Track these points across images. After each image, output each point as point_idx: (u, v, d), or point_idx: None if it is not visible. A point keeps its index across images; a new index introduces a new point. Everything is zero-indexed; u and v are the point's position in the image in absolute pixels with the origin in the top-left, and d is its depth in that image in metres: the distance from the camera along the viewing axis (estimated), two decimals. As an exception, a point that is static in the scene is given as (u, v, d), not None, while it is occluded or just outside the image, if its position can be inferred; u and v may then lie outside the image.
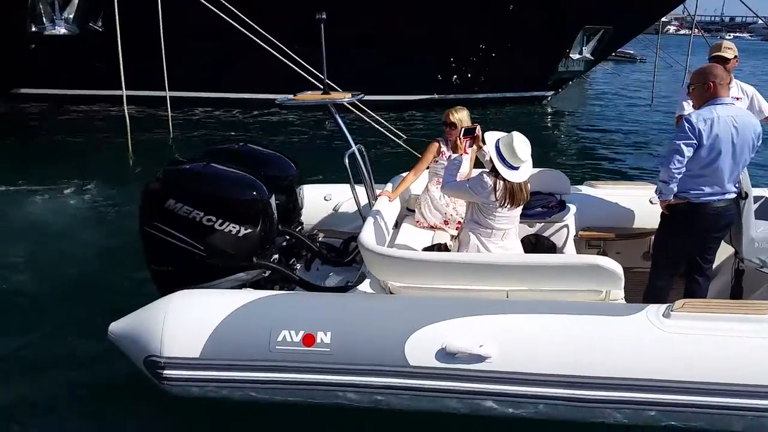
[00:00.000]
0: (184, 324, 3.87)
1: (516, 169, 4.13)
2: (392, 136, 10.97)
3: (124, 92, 11.51)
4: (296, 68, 11.20)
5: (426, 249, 4.65)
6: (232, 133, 14.41)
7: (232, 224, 4.24)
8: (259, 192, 4.41)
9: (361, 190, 5.13)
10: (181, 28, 13.36)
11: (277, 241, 4.81)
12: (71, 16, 13.10)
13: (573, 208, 5.32)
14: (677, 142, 4.10)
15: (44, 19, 12.68)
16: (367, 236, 4.20)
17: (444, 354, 3.62)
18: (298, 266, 5.25)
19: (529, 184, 4.28)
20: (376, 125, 10.73)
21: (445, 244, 4.70)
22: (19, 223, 8.12)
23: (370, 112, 10.90)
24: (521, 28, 16.22)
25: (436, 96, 17.11)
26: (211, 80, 15.99)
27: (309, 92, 4.92)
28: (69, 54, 14.34)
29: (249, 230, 4.31)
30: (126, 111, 11.71)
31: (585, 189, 5.69)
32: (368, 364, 3.69)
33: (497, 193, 4.11)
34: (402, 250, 4.18)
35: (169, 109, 13.29)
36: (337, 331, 3.74)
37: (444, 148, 5.09)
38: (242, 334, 3.80)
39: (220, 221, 4.20)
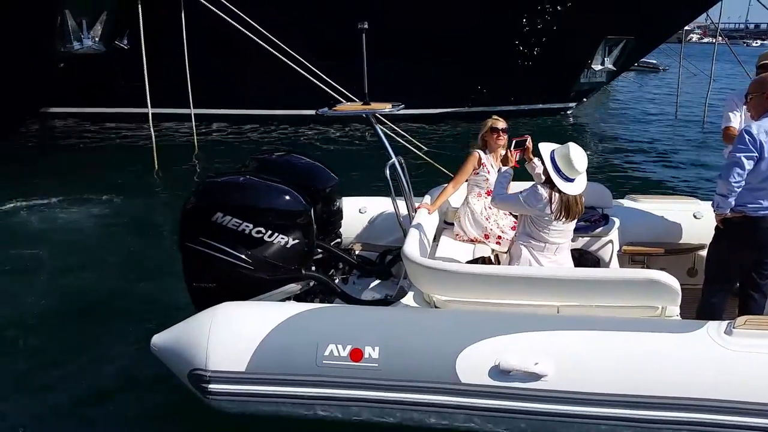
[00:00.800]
0: (230, 337, 3.78)
1: (572, 181, 4.02)
2: (413, 148, 10.88)
3: (150, 110, 11.53)
4: (317, 82, 11.21)
5: (469, 263, 4.53)
6: (253, 147, 14.42)
7: (281, 235, 4.19)
8: (301, 203, 4.37)
9: (399, 202, 5.03)
10: (203, 44, 13.51)
11: (314, 253, 4.74)
12: (98, 34, 13.20)
13: (617, 221, 5.18)
14: (737, 154, 3.96)
15: (72, 38, 12.78)
16: (411, 249, 4.10)
17: (497, 371, 3.50)
18: (337, 279, 5.16)
19: (583, 197, 4.15)
20: (396, 137, 10.65)
21: (489, 258, 4.58)
22: (51, 238, 8.14)
23: (389, 123, 10.87)
24: (543, 39, 16.14)
25: (457, 109, 17.04)
26: (232, 96, 16.04)
27: (349, 103, 4.86)
28: (96, 72, 14.47)
29: (296, 241, 4.27)
30: (152, 128, 11.73)
31: (627, 203, 5.54)
32: (418, 380, 3.58)
33: (552, 206, 3.99)
34: (448, 262, 4.06)
35: (193, 125, 13.36)
36: (386, 346, 3.63)
37: (484, 159, 4.99)
38: (289, 347, 3.71)
39: (269, 233, 4.15)
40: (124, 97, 14.91)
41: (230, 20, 11.09)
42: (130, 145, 14.30)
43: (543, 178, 4.10)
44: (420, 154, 10.99)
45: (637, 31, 17.56)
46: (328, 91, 11.16)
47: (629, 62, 19.88)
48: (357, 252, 5.42)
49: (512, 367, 3.47)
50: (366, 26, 4.51)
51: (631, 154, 14.40)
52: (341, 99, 11.01)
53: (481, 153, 5.00)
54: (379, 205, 5.80)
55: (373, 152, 12.73)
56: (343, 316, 3.91)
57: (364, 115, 4.66)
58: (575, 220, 4.15)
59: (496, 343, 3.56)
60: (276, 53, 11.17)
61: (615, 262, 5.08)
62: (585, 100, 19.82)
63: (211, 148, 14.03)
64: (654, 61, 35.49)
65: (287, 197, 4.38)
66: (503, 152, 5.02)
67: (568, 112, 19.24)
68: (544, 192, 4.01)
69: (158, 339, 4.00)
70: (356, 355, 3.63)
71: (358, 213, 5.72)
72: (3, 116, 12.73)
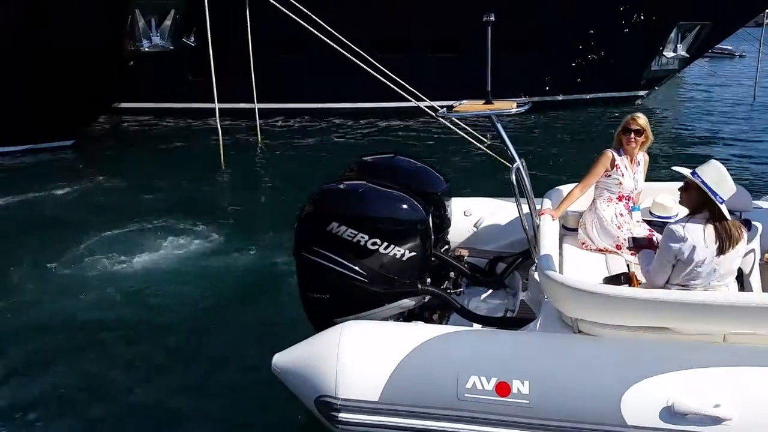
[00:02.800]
0: (360, 361, 3.41)
1: (724, 203, 3.46)
2: (474, 141, 10.31)
3: (217, 105, 11.38)
4: (379, 77, 10.86)
5: (608, 279, 4.00)
6: (311, 141, 14.10)
7: (396, 247, 3.91)
8: (419, 211, 4.05)
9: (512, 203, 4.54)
10: (268, 40, 13.37)
11: (430, 265, 4.33)
12: (166, 32, 13.16)
13: (759, 227, 4.56)
14: None
15: (141, 36, 12.77)
16: (549, 265, 3.61)
17: (670, 413, 3.02)
18: (450, 289, 4.72)
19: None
20: (455, 129, 10.09)
21: (633, 273, 4.02)
22: (135, 242, 7.90)
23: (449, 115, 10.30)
24: (615, 27, 15.35)
25: (527, 98, 16.35)
26: (297, 91, 15.85)
27: (468, 102, 4.37)
28: (164, 69, 14.46)
29: (412, 253, 3.98)
30: (219, 123, 11.57)
31: (764, 204, 4.91)
32: (576, 420, 3.12)
33: (705, 239, 3.36)
34: (605, 286, 3.52)
35: (257, 121, 13.19)
36: (537, 380, 3.18)
37: (618, 160, 4.44)
38: (426, 376, 3.31)
39: (385, 244, 3.87)
40: (191, 93, 14.88)
41: (292, 15, 10.84)
42: (198, 139, 14.19)
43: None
44: (482, 147, 10.41)
45: (713, 17, 16.57)
46: (389, 84, 10.78)
47: (703, 48, 18.77)
48: (465, 258, 4.97)
49: (688, 409, 2.98)
50: (492, 18, 4.03)
51: (705, 144, 13.55)
52: (406, 97, 10.74)
53: (615, 153, 4.46)
54: (484, 206, 5.33)
55: (449, 144, 12.24)
56: (484, 342, 3.45)
57: (486, 117, 4.18)
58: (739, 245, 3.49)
59: (667, 379, 3.07)
60: (336, 47, 10.83)
61: (756, 273, 4.48)
62: (656, 87, 18.84)
63: (275, 143, 13.82)
64: (729, 47, 33.61)
65: (405, 206, 4.04)
66: (640, 157, 4.50)
67: (638, 101, 18.31)
68: (694, 229, 3.39)
69: (280, 360, 3.63)
70: (503, 389, 3.18)
71: (462, 216, 5.27)
72: (78, 112, 12.72)
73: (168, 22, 13.14)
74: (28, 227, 8.65)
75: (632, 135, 4.39)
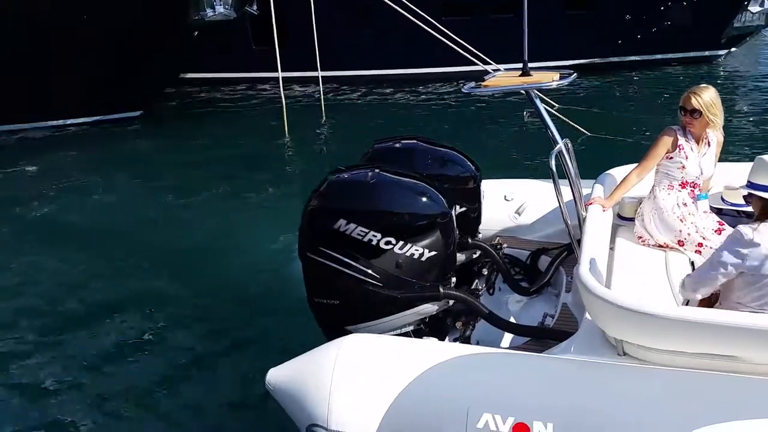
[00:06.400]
0: (357, 387, 2.78)
1: None
2: (547, 107, 9.29)
3: (280, 74, 10.85)
4: (446, 41, 10.02)
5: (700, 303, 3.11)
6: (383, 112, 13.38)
7: (414, 246, 3.22)
8: (440, 203, 3.33)
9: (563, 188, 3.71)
10: (331, 8, 12.72)
11: (454, 265, 3.60)
12: (229, 1, 12.67)
13: None
14: None
15: (205, 5, 12.34)
16: (589, 272, 2.83)
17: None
18: (482, 289, 4.00)
19: None
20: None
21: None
22: (186, 218, 7.57)
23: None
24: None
25: (593, 61, 15.00)
26: (361, 58, 15.13)
27: (501, 74, 3.57)
28: (228, 38, 14.01)
29: (433, 252, 3.27)
30: (282, 92, 11.05)
31: None
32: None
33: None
34: (652, 304, 2.72)
35: (321, 90, 12.62)
36: (565, 423, 2.45)
37: (682, 141, 3.55)
38: (431, 411, 2.65)
39: (400, 243, 3.19)
40: (254, 62, 14.42)
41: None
42: (262, 109, 13.78)
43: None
44: (552, 111, 9.40)
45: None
46: (457, 49, 9.93)
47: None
48: (504, 250, 4.21)
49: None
50: None
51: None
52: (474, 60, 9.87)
53: (679, 132, 3.56)
54: (527, 189, 4.53)
55: (508, 112, 11.28)
56: (503, 369, 2.74)
57: (522, 91, 3.38)
58: None
59: (737, 428, 2.27)
60: (400, 10, 10.01)
61: None
62: (737, 47, 16.88)
63: (338, 111, 13.22)
64: None
65: (423, 197, 3.32)
66: (712, 137, 3.57)
67: (719, 60, 16.46)
68: (751, 229, 2.56)
69: (275, 375, 3.03)
70: (521, 431, 2.48)
71: (503, 200, 4.49)
72: (145, 84, 12.52)
73: (231, -9, 12.67)
74: (91, 195, 8.51)
75: (689, 116, 3.48)
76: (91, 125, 12.35)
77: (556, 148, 3.46)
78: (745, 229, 2.59)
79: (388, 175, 3.31)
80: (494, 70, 3.53)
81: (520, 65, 3.48)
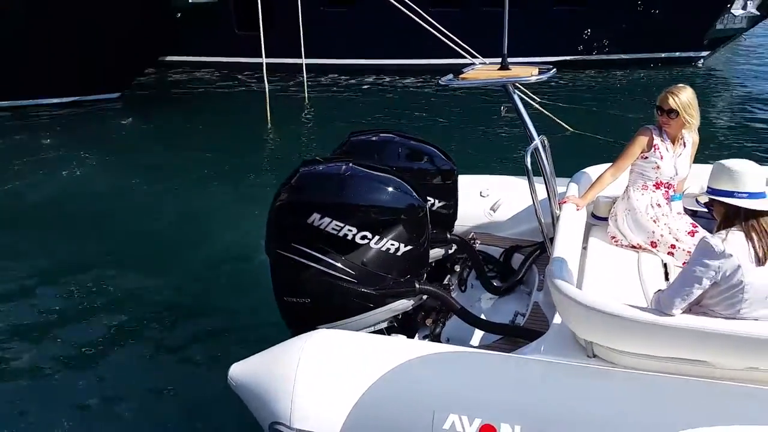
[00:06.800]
0: (322, 385, 2.73)
1: (759, 196, 2.51)
2: (529, 100, 9.26)
3: (264, 59, 10.66)
4: (434, 32, 9.90)
5: None
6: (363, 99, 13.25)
7: (390, 241, 3.14)
8: (415, 199, 3.27)
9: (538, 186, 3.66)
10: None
11: (428, 260, 3.54)
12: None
13: None
14: None
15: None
16: (560, 272, 2.78)
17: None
18: (453, 284, 3.95)
19: None
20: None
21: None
22: (164, 203, 7.42)
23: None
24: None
25: (577, 57, 15.00)
26: (344, 47, 14.94)
27: (479, 67, 3.51)
28: (211, 22, 13.75)
29: (409, 247, 3.20)
30: (266, 79, 10.86)
31: None
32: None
33: (735, 249, 2.45)
34: (625, 307, 2.67)
35: (305, 77, 12.40)
36: (531, 425, 2.40)
37: (657, 141, 3.51)
38: (396, 411, 2.60)
39: (376, 238, 3.10)
40: (237, 47, 14.20)
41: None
42: (244, 94, 13.54)
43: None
44: (535, 105, 9.36)
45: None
46: (445, 41, 9.83)
47: (776, 6, 16.71)
48: (477, 246, 4.16)
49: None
50: None
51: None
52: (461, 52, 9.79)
53: (655, 131, 3.52)
54: (503, 186, 4.48)
55: (489, 106, 11.21)
56: (469, 368, 2.69)
57: (500, 86, 3.31)
58: None
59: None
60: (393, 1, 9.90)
61: None
62: (719, 49, 16.96)
63: (322, 99, 13.04)
64: None
65: (399, 191, 3.26)
66: (687, 137, 3.54)
67: (700, 62, 16.53)
68: (735, 240, 2.46)
69: (237, 371, 2.96)
70: (488, 433, 2.43)
71: (478, 196, 4.44)
72: (125, 65, 12.25)
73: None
74: (62, 177, 8.31)
75: (666, 116, 3.44)
76: (67, 106, 12.06)
77: (531, 145, 3.41)
78: (714, 241, 2.51)
79: (362, 168, 3.22)
80: (470, 64, 3.44)
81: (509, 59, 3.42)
